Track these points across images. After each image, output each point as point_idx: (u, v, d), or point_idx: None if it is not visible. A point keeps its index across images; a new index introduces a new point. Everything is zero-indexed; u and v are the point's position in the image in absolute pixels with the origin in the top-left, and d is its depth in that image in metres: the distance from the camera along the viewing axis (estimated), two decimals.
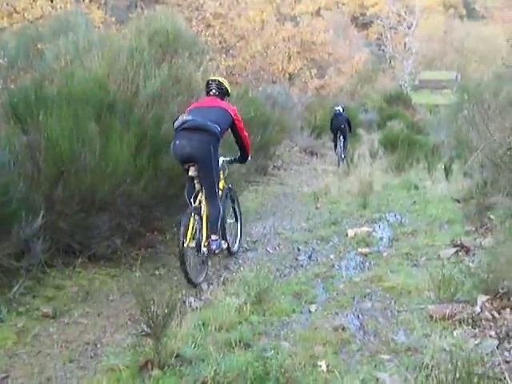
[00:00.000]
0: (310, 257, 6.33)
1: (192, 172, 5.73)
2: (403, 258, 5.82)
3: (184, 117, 5.76)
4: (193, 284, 5.46)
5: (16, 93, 5.78)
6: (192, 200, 5.77)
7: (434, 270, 4.52)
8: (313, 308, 4.52)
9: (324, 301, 4.72)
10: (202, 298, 5.12)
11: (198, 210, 5.73)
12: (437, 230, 6.84)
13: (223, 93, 6.36)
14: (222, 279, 5.62)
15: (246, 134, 6.50)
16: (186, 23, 9.13)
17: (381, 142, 19.06)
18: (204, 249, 5.67)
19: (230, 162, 6.72)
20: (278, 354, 3.51)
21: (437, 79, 52.96)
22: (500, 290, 3.91)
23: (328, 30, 31.81)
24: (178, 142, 5.66)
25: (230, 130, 6.21)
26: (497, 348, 3.32)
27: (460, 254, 5.55)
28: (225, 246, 6.17)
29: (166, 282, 5.53)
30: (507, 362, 3.13)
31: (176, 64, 7.59)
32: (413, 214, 8.06)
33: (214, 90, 6.30)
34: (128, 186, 5.72)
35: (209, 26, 17.56)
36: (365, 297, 4.73)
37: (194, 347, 3.63)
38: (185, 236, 5.37)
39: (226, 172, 6.52)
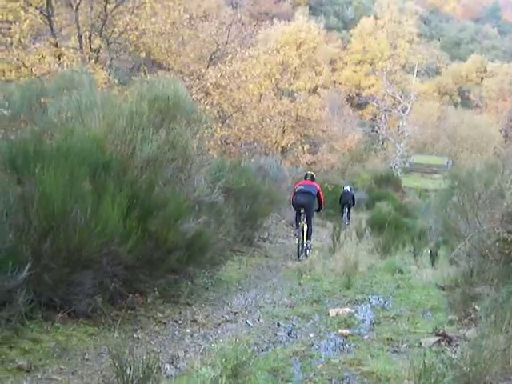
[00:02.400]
0: (289, 333, 6.25)
1: (302, 211, 12.63)
2: (384, 342, 5.71)
3: (299, 187, 12.90)
4: (299, 258, 12.22)
5: (15, 144, 5.83)
6: (299, 223, 12.62)
7: (414, 358, 4.41)
8: None
9: (300, 380, 4.62)
10: (178, 366, 5.03)
11: (302, 228, 12.57)
12: (420, 317, 6.78)
13: (313, 178, 13.46)
14: (199, 349, 5.53)
15: (323, 197, 13.57)
16: (186, 90, 9.28)
17: (368, 222, 19.18)
18: (304, 245, 12.75)
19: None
20: None
21: (428, 164, 53.19)
22: None
23: (324, 107, 32.34)
24: (298, 197, 12.72)
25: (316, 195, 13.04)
26: None
27: (442, 343, 5.46)
28: (312, 245, 13.27)
29: (143, 345, 5.46)
30: None
31: (174, 130, 7.71)
32: (396, 298, 8.01)
33: (309, 177, 13.43)
34: (115, 246, 5.71)
35: (208, 94, 17.78)
36: (342, 380, 4.62)
37: None
38: (299, 238, 12.45)
39: None
